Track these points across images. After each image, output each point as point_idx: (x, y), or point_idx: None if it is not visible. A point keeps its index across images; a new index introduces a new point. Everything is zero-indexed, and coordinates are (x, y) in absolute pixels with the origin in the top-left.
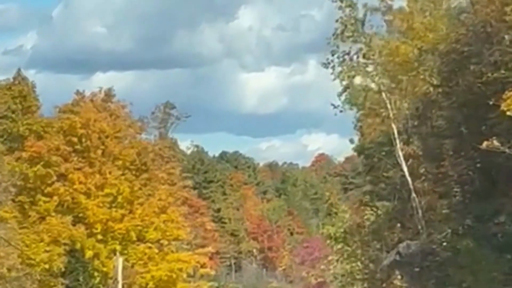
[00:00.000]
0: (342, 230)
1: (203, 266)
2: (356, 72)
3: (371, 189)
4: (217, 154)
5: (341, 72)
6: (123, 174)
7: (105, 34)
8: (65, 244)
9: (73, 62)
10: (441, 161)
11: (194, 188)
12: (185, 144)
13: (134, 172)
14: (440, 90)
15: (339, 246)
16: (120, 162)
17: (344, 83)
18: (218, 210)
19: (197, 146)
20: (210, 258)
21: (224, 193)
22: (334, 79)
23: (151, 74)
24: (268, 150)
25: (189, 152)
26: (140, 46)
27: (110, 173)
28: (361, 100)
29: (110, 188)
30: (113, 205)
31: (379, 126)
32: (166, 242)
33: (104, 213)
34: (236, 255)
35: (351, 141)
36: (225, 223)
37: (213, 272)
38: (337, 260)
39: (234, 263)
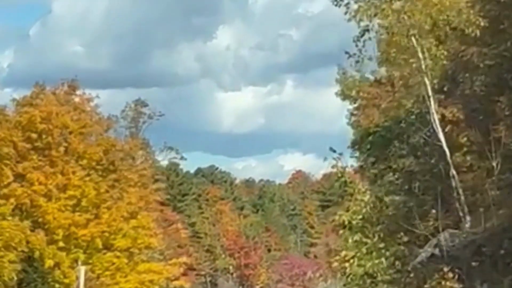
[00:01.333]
0: (360, 217)
1: (177, 278)
2: (378, 9)
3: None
4: (192, 171)
5: (358, 10)
6: (88, 175)
7: (83, 53)
8: (20, 251)
9: (50, 81)
10: (492, 125)
11: (169, 201)
12: (158, 146)
13: (100, 173)
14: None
15: (356, 237)
16: (85, 161)
17: (363, 24)
18: (193, 224)
19: (171, 148)
20: (184, 274)
21: (199, 207)
22: (349, 20)
23: (129, 93)
24: (244, 169)
25: (162, 160)
26: (118, 65)
27: (73, 173)
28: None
29: (74, 190)
30: (77, 209)
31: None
32: (136, 251)
33: (67, 218)
34: (212, 272)
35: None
36: (200, 238)
37: (187, 286)
38: (353, 257)
39: (210, 281)
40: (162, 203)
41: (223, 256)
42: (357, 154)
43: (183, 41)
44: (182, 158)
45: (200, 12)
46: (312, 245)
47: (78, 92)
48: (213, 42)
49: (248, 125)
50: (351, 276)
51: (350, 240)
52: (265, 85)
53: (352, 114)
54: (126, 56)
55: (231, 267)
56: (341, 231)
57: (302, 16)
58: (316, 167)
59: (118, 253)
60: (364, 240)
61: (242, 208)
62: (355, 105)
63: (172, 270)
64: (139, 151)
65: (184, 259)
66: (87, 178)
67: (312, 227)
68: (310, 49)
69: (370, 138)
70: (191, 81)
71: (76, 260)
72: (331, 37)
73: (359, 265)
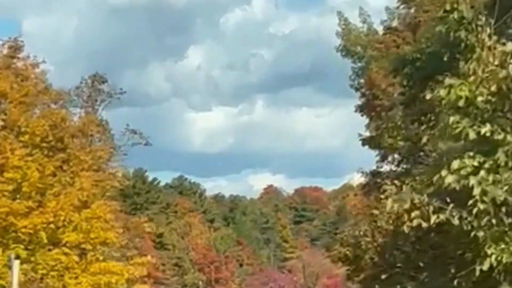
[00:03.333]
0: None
1: (140, 280)
2: None
3: None
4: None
5: None
6: (30, 154)
7: (53, 72)
8: None
9: None
10: None
11: (135, 210)
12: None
13: (46, 152)
14: None
15: None
16: (26, 137)
17: None
18: (161, 235)
19: (134, 131)
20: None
21: (167, 218)
22: None
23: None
24: (214, 189)
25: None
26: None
27: (12, 151)
28: None
29: (13, 172)
30: (17, 195)
31: None
32: (89, 247)
33: (3, 206)
34: None
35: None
36: (168, 249)
37: None
38: None
39: None
40: (124, 195)
41: (192, 270)
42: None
43: (154, 61)
44: (147, 143)
45: (172, 32)
46: (285, 259)
47: (21, 56)
48: (184, 62)
49: (218, 145)
50: None
51: None
52: (236, 105)
53: (356, 74)
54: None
55: (200, 283)
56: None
57: (273, 36)
58: (286, 187)
59: (67, 250)
60: None
61: (212, 221)
62: (360, 64)
63: (134, 271)
64: (95, 128)
65: (149, 257)
66: (29, 158)
67: (286, 241)
68: (281, 68)
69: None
70: (162, 101)
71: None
72: (302, 57)
73: None
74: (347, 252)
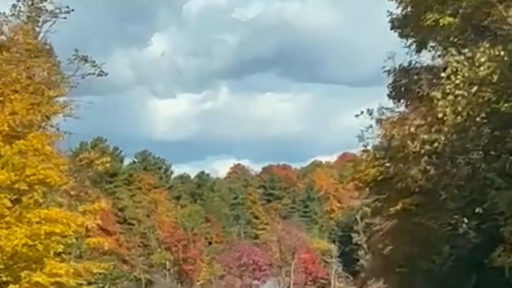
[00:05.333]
0: None
1: (92, 231)
2: None
3: None
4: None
5: None
6: None
7: None
8: None
9: None
10: None
11: (94, 182)
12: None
13: None
14: None
15: None
16: None
17: None
18: (124, 209)
19: (85, 59)
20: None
21: (130, 190)
22: None
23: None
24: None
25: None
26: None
27: None
28: None
29: None
30: None
31: None
32: (24, 187)
33: None
34: (147, 268)
35: None
36: (132, 224)
37: (106, 245)
38: None
39: (145, 278)
40: None
41: (158, 250)
42: None
43: (118, 49)
44: (101, 73)
45: (135, 19)
46: (257, 236)
47: None
48: (148, 49)
49: (182, 132)
50: None
51: None
52: (199, 92)
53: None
54: (60, 64)
55: (167, 263)
56: None
57: (236, 21)
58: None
59: None
60: None
61: (179, 198)
62: None
63: (84, 221)
64: (32, 41)
65: (102, 204)
66: None
67: (256, 217)
68: (245, 54)
69: None
70: (125, 89)
71: None
72: (266, 42)
73: None
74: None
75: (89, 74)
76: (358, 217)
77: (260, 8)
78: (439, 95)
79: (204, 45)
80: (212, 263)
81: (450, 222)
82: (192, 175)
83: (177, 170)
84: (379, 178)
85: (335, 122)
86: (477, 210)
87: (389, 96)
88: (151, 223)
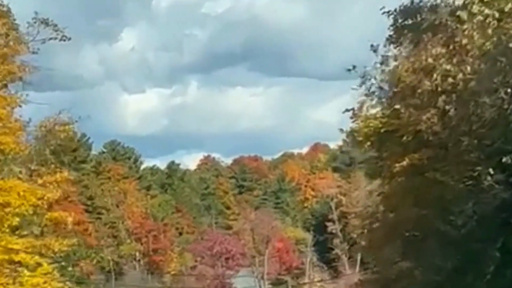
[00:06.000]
0: None
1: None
2: None
3: None
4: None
5: None
6: None
7: None
8: None
9: None
10: None
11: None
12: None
13: None
14: None
15: None
16: None
17: None
18: (92, 197)
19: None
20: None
21: (99, 179)
22: None
23: (30, 97)
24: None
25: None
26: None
27: None
28: None
29: None
30: None
31: None
32: None
33: None
34: (116, 259)
35: None
36: (101, 214)
37: (70, 221)
38: None
39: (114, 269)
40: None
41: (128, 240)
42: None
43: (88, 44)
44: (63, 38)
45: (105, 14)
46: (229, 227)
47: None
48: (118, 44)
49: (152, 127)
50: None
51: None
52: (169, 87)
53: None
54: (28, 59)
55: (137, 253)
56: None
57: (206, 16)
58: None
59: None
60: None
61: (148, 188)
62: None
63: (45, 194)
64: None
65: (65, 174)
66: None
67: (228, 208)
68: (214, 48)
69: None
70: (95, 84)
71: None
72: (236, 36)
73: None
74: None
75: (50, 39)
76: (333, 205)
77: (229, 2)
78: (465, 15)
79: (173, 40)
80: (183, 254)
81: (472, 175)
82: (162, 168)
83: (147, 165)
84: (382, 130)
85: (305, 116)
86: (504, 160)
87: (389, 39)
88: (121, 214)
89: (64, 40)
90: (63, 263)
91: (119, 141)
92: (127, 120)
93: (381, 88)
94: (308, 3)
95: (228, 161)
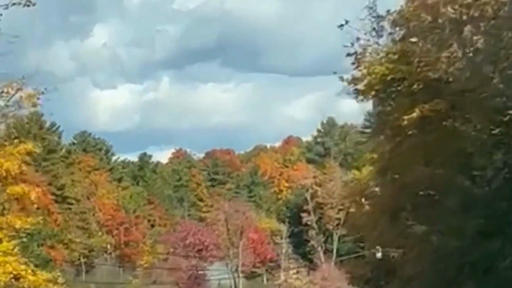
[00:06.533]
0: None
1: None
2: None
3: None
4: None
5: None
6: None
7: None
8: None
9: None
10: None
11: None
12: None
13: None
14: None
15: None
16: None
17: None
18: (62, 187)
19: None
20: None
21: (69, 170)
22: None
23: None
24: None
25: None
26: None
27: None
28: None
29: None
30: None
31: None
32: None
33: None
34: (87, 252)
35: None
36: (71, 204)
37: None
38: None
39: (85, 262)
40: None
41: (99, 233)
42: None
43: (59, 40)
44: (28, 3)
45: (77, 10)
46: (201, 219)
47: None
48: (90, 40)
49: (124, 123)
50: None
51: None
52: (141, 82)
53: None
54: None
55: (109, 246)
56: None
57: (178, 12)
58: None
59: None
60: None
61: (120, 180)
62: None
63: (3, 163)
64: None
65: (30, 145)
66: None
67: (201, 200)
68: (186, 44)
69: None
70: (66, 80)
71: None
72: (208, 32)
73: None
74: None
75: (14, 4)
76: (308, 196)
77: None
78: None
79: (145, 36)
80: (156, 246)
81: (502, 120)
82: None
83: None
84: (388, 78)
85: (277, 111)
86: None
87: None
88: (91, 206)
89: (29, 5)
90: (24, 239)
91: (90, 132)
92: (99, 116)
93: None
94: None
95: (200, 155)
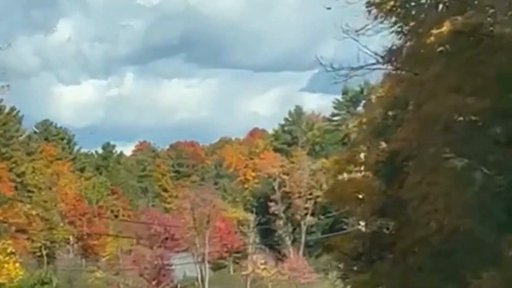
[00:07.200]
0: None
1: None
2: None
3: None
4: None
5: None
6: None
7: None
8: None
9: None
10: None
11: None
12: None
13: None
14: None
15: None
16: None
17: None
18: (22, 174)
19: None
20: None
21: (30, 155)
22: None
23: None
24: None
25: None
26: None
27: None
28: None
29: None
30: None
31: None
32: None
33: None
34: (49, 244)
35: None
36: (31, 192)
37: None
38: None
39: (47, 254)
40: None
41: (61, 224)
42: None
43: (23, 35)
44: None
45: (40, 5)
46: (166, 210)
47: None
48: (53, 36)
49: (88, 119)
50: None
51: None
52: (105, 78)
53: None
54: None
55: (71, 237)
56: None
57: (142, 7)
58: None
59: None
60: None
61: (83, 170)
62: None
63: None
64: None
65: None
66: None
67: (165, 190)
68: (151, 40)
69: None
70: (30, 76)
71: None
72: (172, 27)
73: None
74: None
75: None
76: (275, 185)
77: None
78: None
79: (110, 31)
80: (118, 238)
81: None
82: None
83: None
84: None
85: (241, 106)
86: None
87: None
88: (53, 196)
89: None
90: None
91: (52, 122)
92: (63, 112)
93: None
94: None
95: (165, 147)
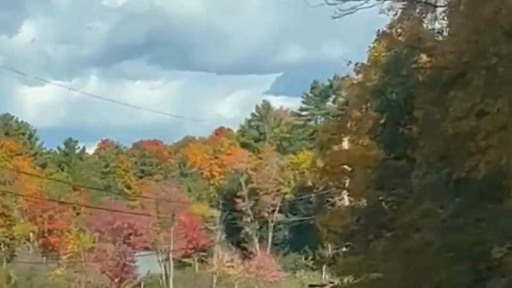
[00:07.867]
0: None
1: None
2: None
3: None
4: None
5: None
6: None
7: None
8: None
9: None
10: None
11: None
12: None
13: None
14: None
15: None
16: None
17: None
18: None
19: None
20: None
21: None
22: None
23: None
24: None
25: None
26: None
27: None
28: None
29: None
30: None
31: None
32: None
33: None
34: (8, 241)
35: None
36: None
37: None
38: None
39: (6, 251)
40: None
41: (21, 221)
42: None
43: None
44: None
45: (4, 6)
46: (131, 208)
47: None
48: (17, 37)
49: (50, 120)
50: None
51: None
52: (69, 79)
53: None
54: None
55: (31, 234)
56: None
57: (107, 8)
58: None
59: None
60: None
61: (44, 166)
62: None
63: None
64: None
65: None
66: None
67: (129, 187)
68: (115, 41)
69: None
70: None
71: None
72: (136, 29)
73: None
74: None
75: None
76: (242, 181)
77: None
78: None
79: (74, 32)
80: (80, 235)
81: None
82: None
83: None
84: None
85: (205, 109)
86: None
87: None
88: (13, 192)
89: None
90: None
91: (12, 116)
92: (26, 113)
93: None
94: None
95: (128, 145)
